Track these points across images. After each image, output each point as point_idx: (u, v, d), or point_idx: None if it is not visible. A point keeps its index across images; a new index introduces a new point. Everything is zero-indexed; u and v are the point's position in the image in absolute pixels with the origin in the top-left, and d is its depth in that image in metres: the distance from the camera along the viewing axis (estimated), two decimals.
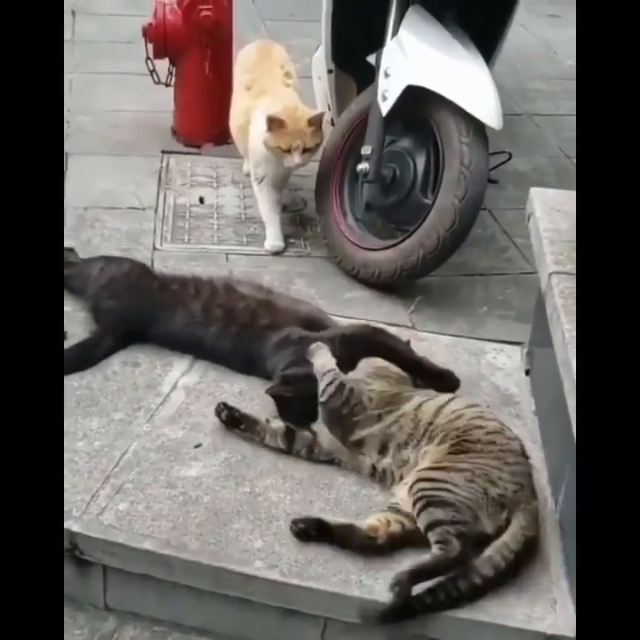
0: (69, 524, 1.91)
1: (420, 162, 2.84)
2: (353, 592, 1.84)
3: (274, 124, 2.88)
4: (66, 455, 2.08)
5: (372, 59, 2.87)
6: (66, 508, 1.94)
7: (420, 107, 2.75)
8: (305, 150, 2.91)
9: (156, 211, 3.23)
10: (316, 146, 2.95)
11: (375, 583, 1.85)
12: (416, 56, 2.72)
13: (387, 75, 2.75)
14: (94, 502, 1.97)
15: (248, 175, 3.36)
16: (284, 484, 2.07)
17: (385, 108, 2.76)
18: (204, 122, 3.73)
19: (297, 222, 3.27)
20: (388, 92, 2.75)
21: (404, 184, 2.86)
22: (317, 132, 2.92)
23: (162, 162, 3.59)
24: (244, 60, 3.30)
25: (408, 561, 1.89)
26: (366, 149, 2.81)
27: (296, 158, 2.92)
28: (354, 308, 2.77)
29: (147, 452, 2.12)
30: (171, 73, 3.76)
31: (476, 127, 2.67)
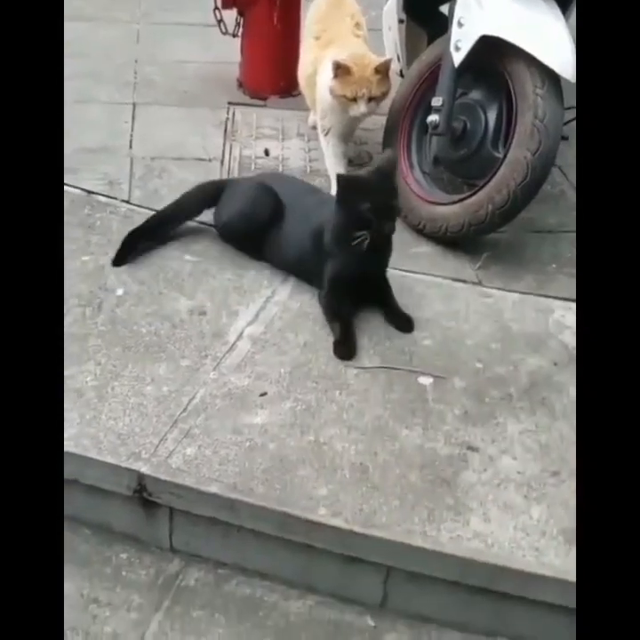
0: (138, 466, 1.95)
1: (492, 115, 2.78)
2: (416, 542, 1.84)
3: (340, 70, 2.84)
4: (135, 399, 2.12)
5: (445, 9, 2.81)
6: (135, 450, 1.98)
7: (493, 58, 2.68)
8: (371, 99, 2.87)
9: (221, 162, 3.23)
10: (383, 95, 2.90)
11: (439, 534, 1.86)
12: (491, 6, 2.65)
13: (460, 24, 2.69)
14: (162, 445, 2.00)
15: (314, 128, 3.34)
16: (349, 434, 2.08)
17: (458, 58, 2.71)
18: (271, 73, 3.70)
19: None
20: (461, 42, 2.69)
21: (474, 137, 2.80)
22: (384, 80, 2.87)
23: (228, 113, 3.57)
24: (315, 10, 3.25)
25: (473, 517, 1.89)
26: (437, 101, 2.76)
27: (362, 107, 2.87)
28: (419, 263, 2.75)
29: (213, 398, 2.14)
30: (238, 23, 3.73)
31: (552, 79, 2.60)
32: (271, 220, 2.57)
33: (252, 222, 2.60)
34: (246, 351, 2.31)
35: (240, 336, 2.36)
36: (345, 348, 2.32)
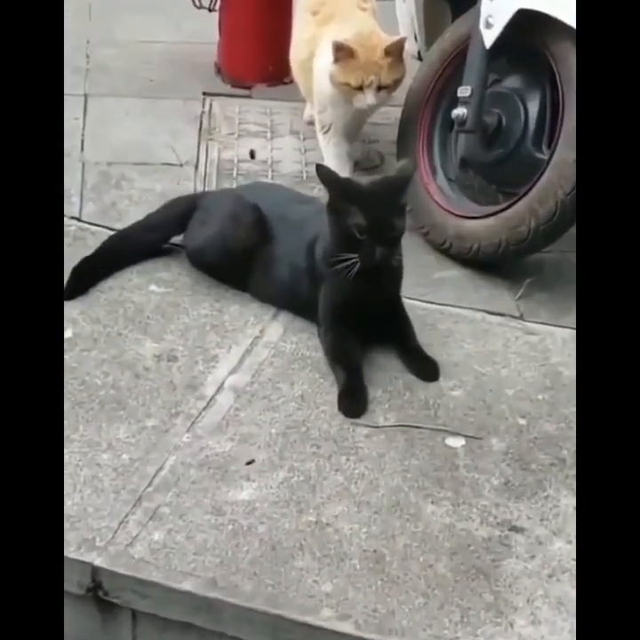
0: (92, 557, 1.92)
1: (533, 106, 2.79)
2: None
3: (341, 53, 2.87)
4: (88, 471, 2.10)
5: None
6: (88, 537, 1.96)
7: (534, 36, 2.70)
8: (380, 88, 2.90)
9: (196, 167, 3.24)
10: (395, 82, 2.93)
11: None
12: None
13: None
14: (123, 530, 1.98)
15: (310, 123, 3.35)
16: (359, 512, 2.06)
17: (489, 37, 2.72)
18: (257, 56, 3.74)
19: None
20: (493, 17, 2.70)
21: (511, 134, 2.81)
22: (396, 64, 2.91)
23: (203, 106, 3.61)
24: None
25: (518, 619, 1.87)
26: (464, 90, 2.77)
27: (369, 98, 2.90)
28: (444, 292, 2.75)
29: (187, 468, 2.13)
30: None
31: None
32: (254, 243, 2.57)
33: (229, 247, 2.60)
34: (228, 407, 2.29)
35: (220, 388, 2.34)
36: (353, 402, 2.31)
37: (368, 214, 2.30)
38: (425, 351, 2.45)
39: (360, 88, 2.89)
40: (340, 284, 2.37)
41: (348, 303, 2.40)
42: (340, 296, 2.40)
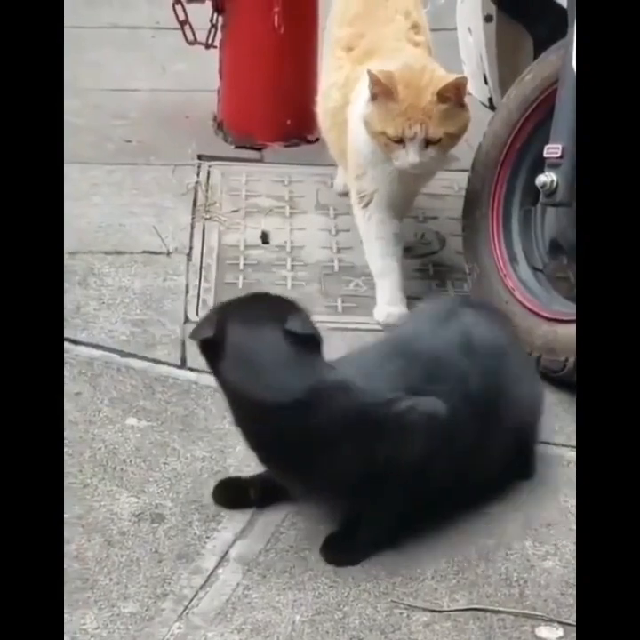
0: None
1: None
2: None
3: (379, 88, 2.88)
4: None
5: None
6: None
7: None
8: (429, 143, 2.91)
9: (189, 256, 3.30)
10: (451, 137, 2.95)
11: None
12: None
13: None
14: None
15: (344, 194, 3.39)
16: None
17: None
18: (270, 107, 3.82)
19: (429, 274, 3.29)
20: None
21: None
22: (453, 112, 2.93)
23: (198, 175, 3.67)
24: (344, 3, 3.35)
25: None
26: (553, 150, 2.80)
27: (411, 155, 2.90)
28: None
29: None
30: (214, 25, 3.84)
31: None
32: None
33: None
34: (235, 585, 2.29)
35: (223, 559, 2.35)
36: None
37: None
38: None
39: (401, 141, 2.90)
40: None
41: None
42: None
